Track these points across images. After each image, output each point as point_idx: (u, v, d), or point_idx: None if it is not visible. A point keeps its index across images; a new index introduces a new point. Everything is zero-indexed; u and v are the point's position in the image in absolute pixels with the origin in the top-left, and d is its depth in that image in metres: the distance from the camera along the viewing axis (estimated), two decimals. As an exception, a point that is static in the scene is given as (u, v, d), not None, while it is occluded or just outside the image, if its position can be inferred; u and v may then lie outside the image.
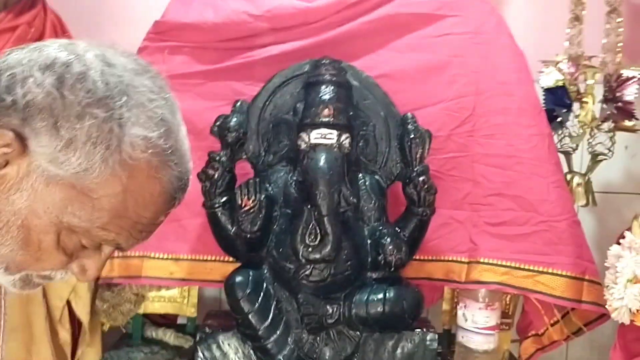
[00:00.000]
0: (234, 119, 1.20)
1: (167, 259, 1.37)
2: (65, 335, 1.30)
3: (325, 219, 1.08)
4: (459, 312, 1.37)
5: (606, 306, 1.07)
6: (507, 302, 1.47)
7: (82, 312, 1.31)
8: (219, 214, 1.20)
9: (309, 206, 1.11)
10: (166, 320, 1.51)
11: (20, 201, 0.59)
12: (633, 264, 0.99)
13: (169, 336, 1.45)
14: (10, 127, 0.58)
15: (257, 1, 1.31)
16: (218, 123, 1.21)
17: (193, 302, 1.43)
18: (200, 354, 1.17)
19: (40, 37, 1.30)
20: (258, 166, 1.24)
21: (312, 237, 1.10)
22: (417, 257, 1.35)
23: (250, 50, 1.34)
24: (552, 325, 1.39)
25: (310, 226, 1.11)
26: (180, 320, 1.52)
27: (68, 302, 1.32)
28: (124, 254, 1.35)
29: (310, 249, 1.10)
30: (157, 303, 1.43)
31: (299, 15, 1.30)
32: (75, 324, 1.36)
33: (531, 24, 1.56)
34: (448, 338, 1.46)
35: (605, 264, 1.08)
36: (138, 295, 1.38)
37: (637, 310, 1.00)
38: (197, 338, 1.20)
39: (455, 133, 1.36)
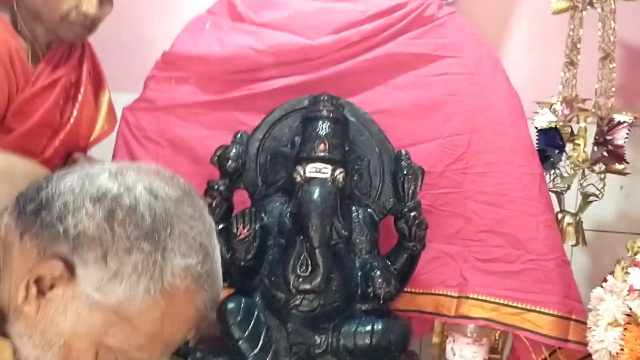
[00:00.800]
0: (234, 150, 1.24)
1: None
2: None
3: (317, 250, 1.12)
4: (448, 347, 1.40)
5: (588, 347, 1.09)
6: (497, 338, 1.49)
7: None
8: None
9: (301, 237, 1.15)
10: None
11: (64, 323, 0.63)
12: (614, 307, 1.02)
13: (162, 357, 1.47)
14: (60, 255, 0.62)
15: (263, 37, 1.36)
16: (218, 153, 1.25)
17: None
18: (190, 377, 1.19)
19: (77, 81, 1.34)
20: (255, 196, 1.28)
21: (303, 268, 1.14)
22: (408, 290, 1.38)
23: (253, 82, 1.39)
24: (539, 363, 1.41)
25: (302, 257, 1.14)
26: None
27: None
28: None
29: (300, 280, 1.13)
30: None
31: (302, 52, 1.35)
32: None
33: (528, 66, 1.61)
34: (438, 371, 1.48)
35: (588, 306, 1.11)
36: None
37: (617, 354, 1.02)
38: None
39: (449, 169, 1.40)
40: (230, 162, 1.24)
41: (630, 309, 0.99)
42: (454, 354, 1.36)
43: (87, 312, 0.64)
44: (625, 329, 1.02)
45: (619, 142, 1.38)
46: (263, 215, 1.23)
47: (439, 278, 1.40)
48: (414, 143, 1.37)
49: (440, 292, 1.40)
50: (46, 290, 0.63)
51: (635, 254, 1.05)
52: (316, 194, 1.14)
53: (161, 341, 0.67)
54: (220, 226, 1.24)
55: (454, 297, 1.39)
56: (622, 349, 1.00)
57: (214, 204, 1.23)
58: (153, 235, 0.64)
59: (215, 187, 1.24)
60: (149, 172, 0.70)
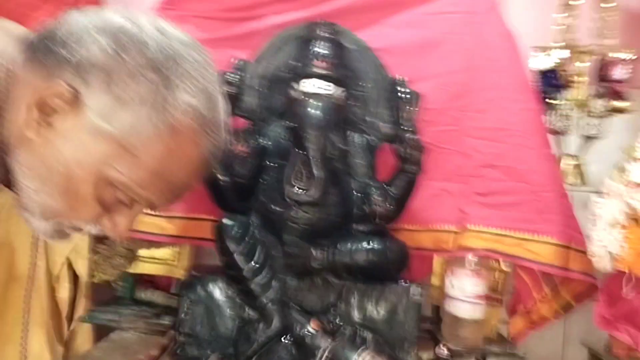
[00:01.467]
0: (233, 75, 1.25)
1: (160, 216, 1.40)
2: (63, 292, 1.33)
3: (314, 162, 1.11)
4: (447, 282, 1.37)
5: (588, 255, 1.08)
6: (496, 279, 1.47)
7: (82, 271, 1.34)
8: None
9: (298, 150, 1.15)
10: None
11: (66, 150, 0.63)
12: (614, 207, 1.01)
13: (157, 296, 1.46)
14: (65, 80, 0.62)
15: (261, -28, 1.38)
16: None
17: (184, 265, 1.45)
18: (185, 294, 1.18)
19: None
20: (254, 121, 1.28)
21: (300, 179, 1.13)
22: (407, 227, 1.37)
23: (251, 20, 1.41)
24: (541, 301, 1.39)
25: (299, 169, 1.14)
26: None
27: (69, 261, 1.34)
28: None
29: (297, 190, 1.13)
30: (148, 264, 1.45)
31: (300, -14, 1.37)
32: (75, 284, 1.38)
33: (526, 12, 1.62)
34: (437, 314, 1.45)
35: (588, 216, 1.09)
36: (130, 250, 1.40)
37: (618, 255, 1.00)
38: (183, 282, 1.21)
39: (447, 107, 1.40)
40: (229, 86, 1.24)
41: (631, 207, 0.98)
42: (453, 287, 1.34)
43: (91, 141, 0.63)
44: (626, 229, 1.00)
45: (618, 77, 1.38)
46: (261, 138, 1.23)
47: (438, 214, 1.39)
48: (412, 81, 1.37)
49: (440, 228, 1.39)
50: (49, 117, 0.63)
51: (632, 157, 1.04)
52: (314, 107, 1.14)
53: (164, 180, 0.66)
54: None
55: (453, 231, 1.38)
56: (622, 249, 0.98)
57: (213, 126, 1.23)
58: (158, 67, 0.63)
59: (214, 110, 1.24)
60: (156, 16, 0.71)
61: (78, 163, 0.63)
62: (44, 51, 0.64)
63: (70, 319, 1.37)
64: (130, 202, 0.67)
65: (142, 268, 1.44)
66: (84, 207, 0.65)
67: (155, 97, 0.63)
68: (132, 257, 1.41)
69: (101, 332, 1.36)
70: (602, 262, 1.03)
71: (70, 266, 1.35)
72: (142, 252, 1.43)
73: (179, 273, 1.45)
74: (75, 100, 0.62)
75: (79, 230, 0.69)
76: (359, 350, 0.94)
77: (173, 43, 0.66)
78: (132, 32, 0.64)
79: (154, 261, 1.44)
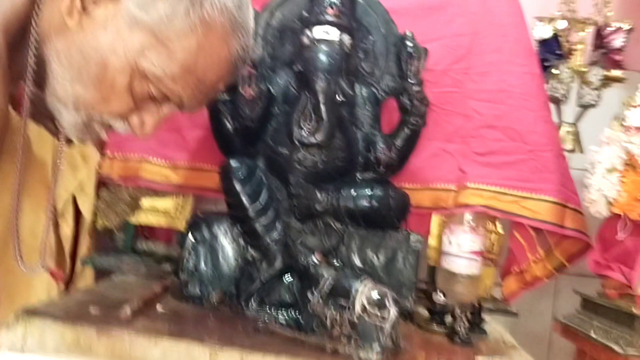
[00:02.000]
0: (243, 23, 1.27)
1: (165, 165, 1.41)
2: (66, 229, 1.33)
3: (322, 105, 1.13)
4: (444, 239, 1.39)
5: (585, 203, 1.11)
6: (492, 241, 1.49)
7: (86, 209, 1.35)
8: (220, 107, 1.25)
9: (306, 94, 1.17)
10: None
11: (103, 39, 0.65)
12: (612, 154, 1.04)
13: (157, 246, 1.47)
14: None
15: None
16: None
17: (186, 217, 1.46)
18: (190, 235, 1.19)
19: None
20: (261, 70, 1.30)
21: (308, 122, 1.15)
22: (407, 186, 1.40)
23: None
24: (535, 262, 1.42)
25: (307, 111, 1.16)
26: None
27: (73, 197, 1.35)
28: (124, 157, 1.40)
29: (304, 133, 1.15)
30: (150, 215, 1.46)
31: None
32: (77, 223, 1.39)
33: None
34: (434, 275, 1.47)
35: (585, 165, 1.13)
36: (133, 198, 1.41)
37: (614, 200, 1.03)
38: (189, 221, 1.23)
39: (451, 69, 1.43)
40: (238, 34, 1.26)
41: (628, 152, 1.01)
42: (450, 244, 1.36)
43: (127, 30, 0.65)
44: (622, 175, 1.03)
45: (616, 44, 1.42)
46: (269, 85, 1.25)
47: (437, 173, 1.43)
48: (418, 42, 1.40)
49: (439, 187, 1.42)
50: (89, 6, 0.64)
51: (630, 105, 1.07)
52: (323, 52, 1.16)
53: (194, 75, 0.68)
54: (226, 97, 1.26)
55: (452, 190, 1.41)
56: (618, 193, 1.01)
57: (221, 73, 1.25)
58: None
59: (223, 57, 1.26)
60: None
61: (114, 52, 0.65)
62: None
63: (72, 257, 1.38)
64: (161, 98, 0.69)
65: (144, 219, 1.45)
66: (116, 99, 0.67)
67: None
68: (135, 205, 1.42)
69: (102, 277, 1.37)
70: (597, 206, 1.06)
71: (74, 203, 1.36)
72: (145, 202, 1.44)
73: (181, 225, 1.46)
74: None
75: (108, 127, 0.70)
76: (361, 278, 0.96)
77: None
78: None
79: (156, 212, 1.46)
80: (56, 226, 1.34)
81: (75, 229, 1.39)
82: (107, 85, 0.66)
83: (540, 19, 1.53)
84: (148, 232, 1.54)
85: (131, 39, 0.65)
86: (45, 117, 0.75)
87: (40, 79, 0.69)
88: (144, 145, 1.39)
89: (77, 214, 1.39)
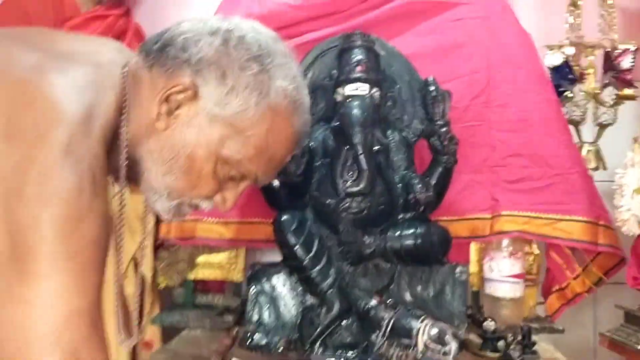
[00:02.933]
0: (278, 86, 1.38)
1: (217, 222, 1.52)
2: (130, 288, 1.43)
3: (361, 156, 1.23)
4: (485, 266, 1.48)
5: (617, 223, 1.19)
6: (530, 263, 1.57)
7: (146, 269, 1.45)
8: (266, 167, 1.35)
9: (346, 147, 1.27)
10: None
11: (190, 136, 0.76)
12: (636, 175, 1.12)
13: (217, 299, 1.57)
14: (185, 77, 0.75)
15: (296, -6, 1.52)
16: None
17: (240, 268, 1.56)
18: (251, 287, 1.29)
19: (122, 33, 1.52)
20: (299, 127, 1.41)
21: (350, 173, 1.25)
22: (444, 218, 1.48)
23: (289, 38, 1.52)
24: (574, 278, 1.49)
25: (348, 164, 1.26)
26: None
27: (135, 261, 1.45)
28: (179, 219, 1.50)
29: (348, 183, 1.24)
30: (206, 269, 1.56)
31: (331, 4, 1.51)
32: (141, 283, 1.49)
33: (533, 14, 1.75)
34: (477, 299, 1.55)
35: (613, 187, 1.21)
36: (190, 256, 1.52)
37: (645, 218, 1.11)
38: (248, 274, 1.32)
39: (472, 104, 1.53)
40: (275, 96, 1.37)
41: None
42: (492, 270, 1.44)
43: (208, 125, 0.75)
44: (650, 194, 1.11)
45: (625, 66, 1.51)
46: (308, 141, 1.35)
47: (470, 204, 1.51)
48: (439, 82, 1.50)
49: (474, 217, 1.51)
50: (174, 109, 0.75)
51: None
52: (357, 107, 1.26)
53: (266, 155, 0.78)
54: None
55: (487, 218, 1.49)
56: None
57: (263, 134, 1.36)
58: (260, 59, 0.76)
59: (263, 119, 1.37)
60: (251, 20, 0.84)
61: (199, 145, 0.75)
62: (166, 56, 0.76)
63: (139, 315, 1.47)
64: (240, 178, 0.79)
65: (201, 273, 1.55)
66: (204, 184, 0.77)
67: (259, 83, 0.76)
68: (193, 263, 1.52)
69: (169, 334, 1.47)
70: (629, 225, 1.13)
71: (135, 265, 1.46)
72: (201, 258, 1.54)
73: (235, 276, 1.56)
74: (195, 94, 0.75)
75: (195, 207, 0.81)
76: (421, 317, 1.04)
77: (268, 40, 0.79)
78: (237, 33, 0.78)
79: (212, 266, 1.55)
80: (120, 287, 1.44)
81: (139, 286, 1.48)
82: (195, 174, 0.77)
83: (550, 47, 1.62)
84: (201, 284, 1.64)
85: (212, 132, 0.75)
86: None
87: (132, 175, 0.79)
88: (196, 207, 1.50)
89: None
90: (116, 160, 0.75)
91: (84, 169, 0.63)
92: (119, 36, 1.52)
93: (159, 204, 0.79)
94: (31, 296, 0.59)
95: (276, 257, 1.38)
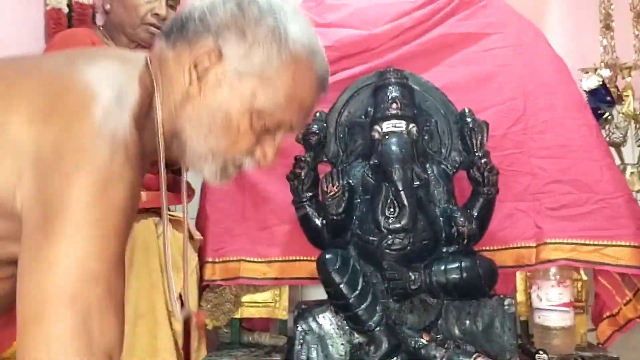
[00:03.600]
0: (315, 125, 1.41)
1: (260, 262, 1.54)
2: (177, 326, 1.45)
3: (402, 192, 1.24)
4: (533, 295, 1.46)
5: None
6: (579, 290, 1.54)
7: (191, 307, 1.47)
8: (307, 207, 1.38)
9: (386, 184, 1.28)
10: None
11: (223, 95, 0.79)
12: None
13: (264, 338, 1.58)
14: (208, 43, 0.79)
15: (328, 35, 1.55)
16: (302, 130, 1.41)
17: (284, 305, 1.57)
18: (298, 326, 1.29)
19: None
20: (337, 165, 1.43)
21: (392, 209, 1.26)
22: (488, 248, 1.48)
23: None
24: (625, 304, 1.46)
25: (389, 201, 1.27)
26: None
27: (181, 298, 1.48)
28: (223, 259, 1.53)
29: (390, 220, 1.25)
30: (251, 308, 1.58)
31: (363, 42, 1.54)
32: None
33: (565, 39, 1.75)
34: (526, 328, 1.53)
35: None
36: (236, 296, 1.54)
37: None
38: (295, 313, 1.33)
39: (509, 132, 1.52)
40: (313, 136, 1.39)
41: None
42: (540, 300, 1.42)
43: (238, 82, 0.79)
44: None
45: (665, 86, 1.49)
46: (347, 178, 1.37)
47: (515, 232, 1.50)
48: (474, 112, 1.50)
49: (519, 245, 1.49)
50: (203, 75, 0.79)
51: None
52: (395, 144, 1.28)
53: (296, 101, 0.81)
54: (310, 194, 1.39)
55: (532, 247, 1.47)
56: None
57: (302, 174, 1.38)
58: (273, 15, 0.80)
59: (302, 159, 1.39)
60: None
61: (233, 102, 0.79)
62: (186, 30, 0.81)
63: (186, 352, 1.49)
64: (275, 128, 0.82)
65: (246, 312, 1.57)
66: (243, 139, 0.81)
67: (277, 35, 0.79)
68: (238, 302, 1.54)
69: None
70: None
71: (181, 303, 1.48)
72: (246, 297, 1.56)
73: (279, 314, 1.57)
74: (220, 55, 0.79)
75: (239, 167, 0.84)
76: (473, 355, 1.03)
77: (279, 2, 0.83)
78: None
79: (257, 305, 1.57)
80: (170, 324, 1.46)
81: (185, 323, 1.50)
82: (234, 131, 0.80)
83: (585, 70, 1.62)
84: (247, 322, 1.65)
85: (242, 88, 0.79)
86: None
87: (172, 154, 0.83)
88: (240, 248, 1.52)
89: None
90: (150, 141, 0.79)
91: (116, 141, 0.67)
92: None
93: (206, 169, 0.83)
94: (52, 257, 0.61)
95: (319, 292, 1.39)
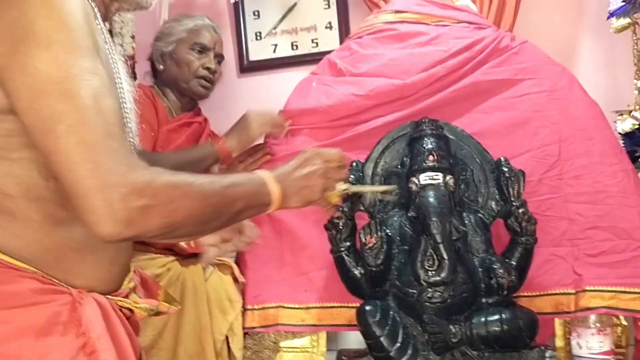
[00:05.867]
0: (352, 176, 1.43)
1: (298, 308, 1.56)
2: None
3: (441, 245, 1.25)
4: (573, 342, 1.45)
5: None
6: (619, 335, 1.53)
7: (237, 348, 1.51)
8: (345, 256, 1.40)
9: (424, 237, 1.29)
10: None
11: None
12: None
13: (302, 384, 1.60)
14: None
15: (362, 84, 1.58)
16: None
17: (322, 351, 1.59)
18: (340, 379, 1.31)
19: (201, 135, 1.69)
20: (375, 215, 1.45)
21: (431, 262, 1.27)
22: (526, 294, 1.47)
23: (357, 125, 1.60)
24: (666, 350, 1.44)
25: (428, 254, 1.28)
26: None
27: (227, 339, 1.51)
28: (262, 306, 1.56)
29: (430, 273, 1.26)
30: (290, 353, 1.60)
31: (397, 91, 1.56)
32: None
33: (598, 83, 1.74)
34: (566, 376, 1.52)
35: None
36: (275, 342, 1.56)
37: None
38: (336, 365, 1.35)
39: (545, 177, 1.52)
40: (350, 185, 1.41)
41: None
42: (580, 347, 1.42)
43: None
44: None
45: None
46: (385, 228, 1.39)
47: (553, 279, 1.49)
48: (509, 158, 1.51)
49: (557, 292, 1.48)
50: None
51: None
52: (432, 196, 1.29)
53: None
54: (348, 243, 1.41)
55: (571, 293, 1.47)
56: None
57: (341, 224, 1.40)
58: None
59: (340, 209, 1.41)
60: None
61: None
62: None
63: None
64: None
65: (285, 357, 1.59)
66: None
67: None
68: (277, 348, 1.56)
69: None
70: None
71: (228, 346, 1.51)
72: (284, 343, 1.58)
73: (318, 359, 1.59)
74: None
75: None
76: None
77: None
78: None
79: (295, 350, 1.59)
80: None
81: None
82: None
83: (620, 113, 1.61)
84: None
85: None
86: None
87: None
88: (278, 294, 1.55)
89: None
90: None
91: None
92: (199, 138, 1.67)
93: None
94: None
95: (357, 336, 1.40)
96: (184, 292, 1.43)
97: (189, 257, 1.51)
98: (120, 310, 0.83)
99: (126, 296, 0.86)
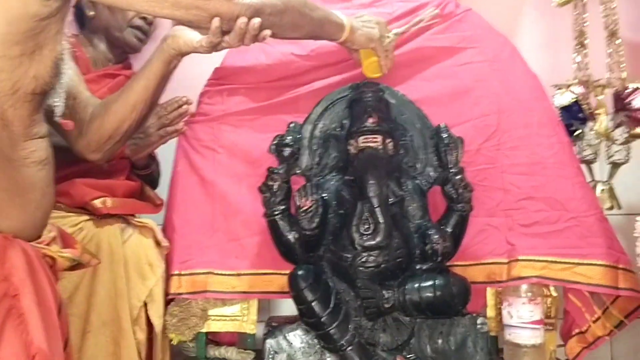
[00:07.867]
0: (289, 137, 1.37)
1: (229, 274, 1.49)
2: (141, 335, 1.40)
3: (377, 209, 1.22)
4: (504, 312, 1.45)
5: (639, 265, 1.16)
6: (549, 306, 1.54)
7: (155, 316, 1.42)
8: (279, 220, 1.34)
9: (361, 201, 1.25)
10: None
11: None
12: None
13: (231, 352, 1.54)
14: None
15: (303, 44, 1.52)
16: (275, 142, 1.38)
17: (252, 319, 1.52)
18: (268, 345, 1.26)
19: None
20: (311, 178, 1.40)
21: (366, 226, 1.23)
22: (459, 263, 1.46)
23: (297, 86, 1.54)
24: (594, 321, 1.46)
25: (364, 217, 1.24)
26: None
27: (145, 306, 1.43)
28: (190, 272, 1.48)
29: (365, 237, 1.23)
30: (219, 322, 1.53)
31: (338, 53, 1.50)
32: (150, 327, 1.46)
33: (539, 55, 1.75)
34: (496, 344, 1.52)
35: (635, 234, 1.19)
36: (203, 310, 1.49)
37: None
38: (265, 331, 1.30)
39: (483, 147, 1.51)
40: (286, 148, 1.36)
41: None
42: (511, 317, 1.42)
43: None
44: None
45: (637, 105, 1.51)
46: (321, 192, 1.34)
47: (486, 248, 1.49)
48: (449, 126, 1.49)
49: (490, 261, 1.48)
50: None
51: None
52: (370, 159, 1.25)
53: None
54: (282, 207, 1.35)
55: (504, 263, 1.47)
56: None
57: (275, 186, 1.34)
58: None
59: (275, 171, 1.35)
60: None
61: None
62: None
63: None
64: None
65: (213, 326, 1.52)
66: None
67: None
68: (205, 316, 1.49)
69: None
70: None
71: (145, 311, 1.43)
72: (213, 311, 1.51)
73: (248, 328, 1.53)
74: None
75: None
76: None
77: None
78: None
79: (224, 318, 1.52)
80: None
81: (148, 333, 1.45)
82: None
83: (558, 87, 1.62)
84: (213, 336, 1.60)
85: None
86: None
87: None
88: (208, 260, 1.48)
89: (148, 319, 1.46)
90: None
91: None
92: None
93: None
94: None
95: (289, 305, 1.36)
96: (99, 254, 1.32)
97: (105, 218, 1.41)
98: (44, 258, 0.84)
99: (48, 244, 0.82)
